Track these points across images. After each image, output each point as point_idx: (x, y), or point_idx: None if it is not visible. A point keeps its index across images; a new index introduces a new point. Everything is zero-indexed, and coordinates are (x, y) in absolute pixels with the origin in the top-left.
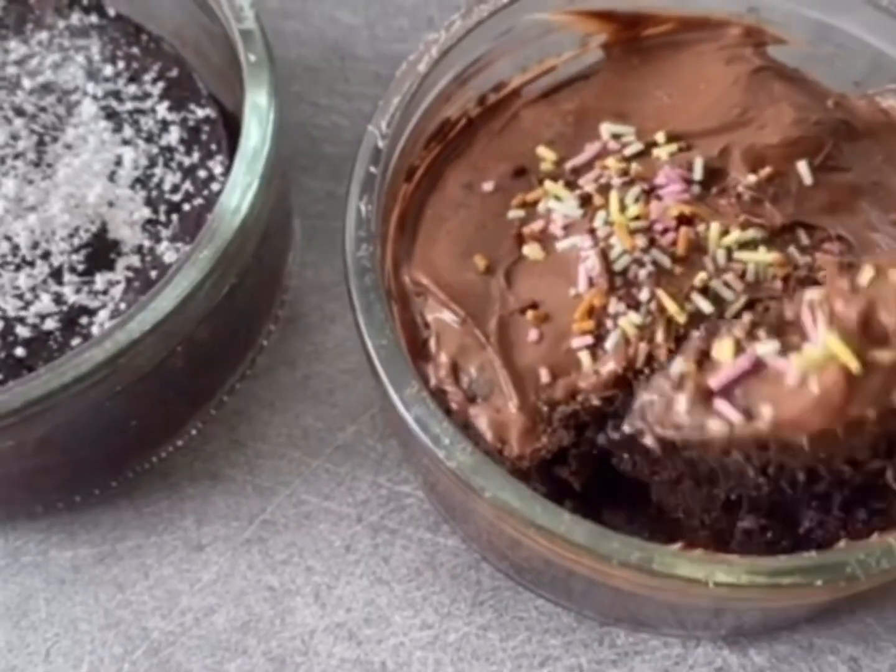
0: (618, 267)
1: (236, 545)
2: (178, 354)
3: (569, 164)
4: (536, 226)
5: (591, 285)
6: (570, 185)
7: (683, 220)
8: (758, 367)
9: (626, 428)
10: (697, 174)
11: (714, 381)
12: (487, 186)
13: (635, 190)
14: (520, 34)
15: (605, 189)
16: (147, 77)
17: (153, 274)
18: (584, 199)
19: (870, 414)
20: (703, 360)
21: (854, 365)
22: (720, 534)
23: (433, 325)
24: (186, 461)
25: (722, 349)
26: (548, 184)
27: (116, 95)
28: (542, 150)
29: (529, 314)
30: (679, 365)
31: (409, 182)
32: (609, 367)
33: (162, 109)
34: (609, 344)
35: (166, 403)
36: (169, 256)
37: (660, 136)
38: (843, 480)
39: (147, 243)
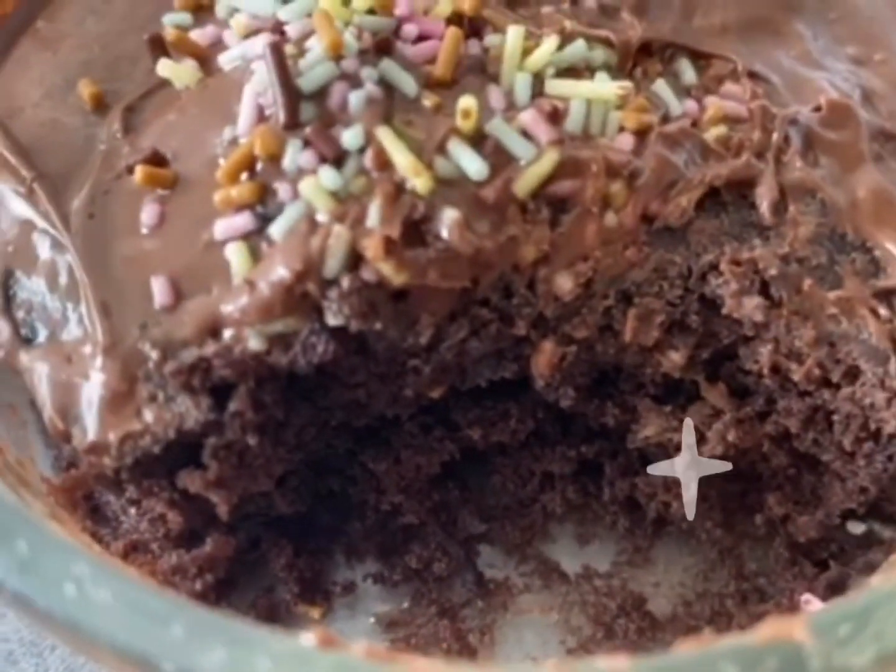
0: (308, 84)
1: None
2: None
3: None
4: (204, 34)
5: (259, 119)
6: None
7: (458, 21)
8: None
9: None
10: None
11: None
12: None
13: None
14: None
15: None
16: None
17: None
18: None
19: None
20: None
21: None
22: None
23: None
24: None
25: None
26: None
27: None
28: None
29: (142, 174)
30: None
31: None
32: (277, 273)
33: None
34: (277, 228)
35: None
36: None
37: None
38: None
39: None
